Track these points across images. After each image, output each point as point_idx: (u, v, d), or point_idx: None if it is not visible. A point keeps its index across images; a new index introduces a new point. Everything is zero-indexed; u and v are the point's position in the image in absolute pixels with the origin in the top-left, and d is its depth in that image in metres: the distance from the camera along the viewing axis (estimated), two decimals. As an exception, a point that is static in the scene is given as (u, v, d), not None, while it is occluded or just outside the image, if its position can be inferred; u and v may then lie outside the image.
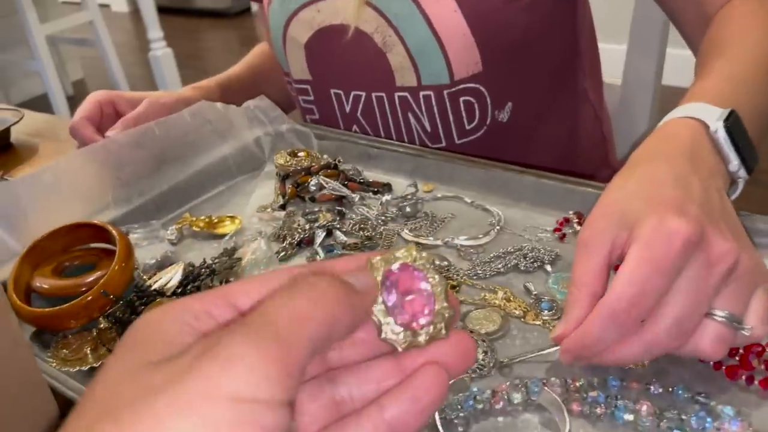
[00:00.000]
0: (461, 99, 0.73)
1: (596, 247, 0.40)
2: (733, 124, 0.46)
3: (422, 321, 0.24)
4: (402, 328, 0.24)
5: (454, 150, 0.72)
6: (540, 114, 0.77)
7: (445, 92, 0.73)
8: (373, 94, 0.76)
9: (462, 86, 0.72)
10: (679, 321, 0.37)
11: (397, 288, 0.24)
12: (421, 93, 0.74)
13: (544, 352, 0.45)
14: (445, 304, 0.25)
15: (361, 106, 0.78)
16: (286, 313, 0.20)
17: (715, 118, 0.46)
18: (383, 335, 0.24)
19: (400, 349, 0.24)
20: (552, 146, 0.79)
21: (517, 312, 0.51)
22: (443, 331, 0.25)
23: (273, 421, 0.18)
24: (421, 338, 0.24)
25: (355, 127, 0.80)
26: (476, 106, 0.73)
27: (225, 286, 0.23)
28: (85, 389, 0.45)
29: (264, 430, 0.18)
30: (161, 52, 3.28)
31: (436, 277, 0.25)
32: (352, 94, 0.78)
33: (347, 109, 0.79)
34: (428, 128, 0.75)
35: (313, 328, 0.20)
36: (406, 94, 0.74)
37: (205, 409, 0.17)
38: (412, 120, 0.76)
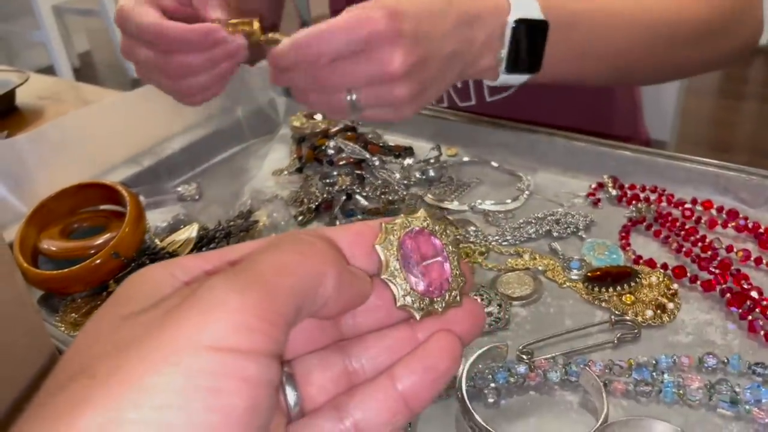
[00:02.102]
0: None
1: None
2: (531, 28, 0.50)
3: (439, 288, 0.24)
4: (419, 295, 0.23)
5: (479, 112, 0.69)
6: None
7: None
8: None
9: None
10: (334, 78, 0.46)
11: (414, 254, 0.24)
12: None
13: (572, 332, 0.43)
14: (459, 271, 0.24)
15: None
16: (271, 262, 0.19)
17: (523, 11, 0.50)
18: (399, 302, 0.23)
19: (417, 317, 0.23)
20: (582, 110, 0.75)
21: (541, 267, 0.48)
22: (458, 299, 0.24)
23: (256, 373, 0.17)
24: (438, 306, 0.23)
25: None
26: None
27: (226, 248, 0.22)
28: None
29: (246, 381, 0.17)
30: (168, 23, 3.23)
31: (450, 245, 0.24)
32: None
33: None
34: (459, 84, 0.71)
35: (297, 280, 0.19)
36: None
37: (183, 359, 0.16)
38: None
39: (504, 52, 0.51)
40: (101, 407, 0.16)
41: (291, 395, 0.22)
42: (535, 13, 0.51)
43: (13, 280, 0.38)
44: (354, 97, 0.47)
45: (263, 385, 0.17)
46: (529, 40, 0.51)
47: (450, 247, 0.24)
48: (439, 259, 0.24)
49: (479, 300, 0.44)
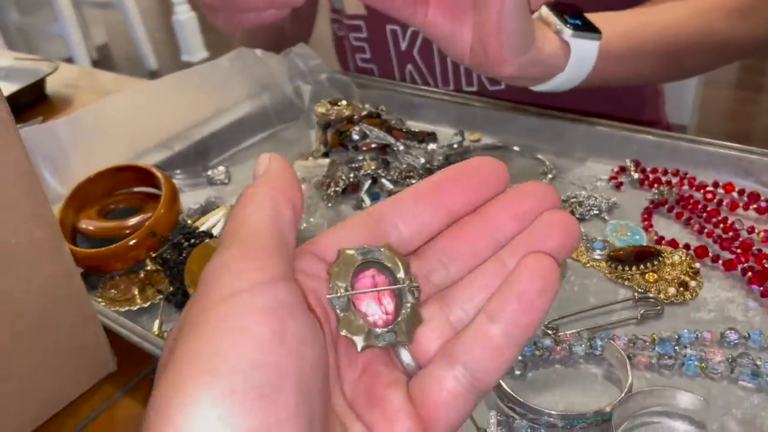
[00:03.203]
0: None
1: None
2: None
3: (381, 322, 0.22)
4: (362, 323, 0.22)
5: (503, 97, 0.70)
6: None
7: None
8: None
9: None
10: None
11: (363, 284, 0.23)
12: None
13: (597, 309, 0.44)
14: (410, 306, 0.23)
15: (418, 43, 0.74)
16: (226, 227, 0.22)
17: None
18: (342, 332, 0.22)
19: (358, 349, 0.22)
20: (607, 96, 0.76)
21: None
22: (403, 338, 0.22)
23: (267, 300, 0.19)
24: (380, 341, 0.22)
25: (409, 66, 0.77)
26: None
27: (309, 243, 0.23)
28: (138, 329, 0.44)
29: (261, 311, 0.19)
30: (185, 16, 3.25)
31: (403, 279, 0.23)
32: (410, 30, 0.74)
33: (403, 47, 0.76)
34: None
35: (244, 221, 0.21)
36: None
37: (214, 311, 0.19)
38: None
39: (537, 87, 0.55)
40: (169, 375, 0.18)
41: (405, 355, 0.22)
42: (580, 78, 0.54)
43: (62, 256, 0.40)
44: None
45: (279, 309, 0.19)
46: None
47: (404, 283, 0.23)
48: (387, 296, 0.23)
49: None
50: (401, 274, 0.23)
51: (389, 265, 0.23)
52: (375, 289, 0.23)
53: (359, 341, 0.22)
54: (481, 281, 0.23)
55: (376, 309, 0.23)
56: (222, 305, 0.19)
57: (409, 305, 0.23)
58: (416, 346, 0.23)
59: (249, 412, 0.17)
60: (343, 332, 0.22)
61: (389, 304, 0.23)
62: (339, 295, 0.22)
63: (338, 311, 0.22)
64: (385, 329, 0.22)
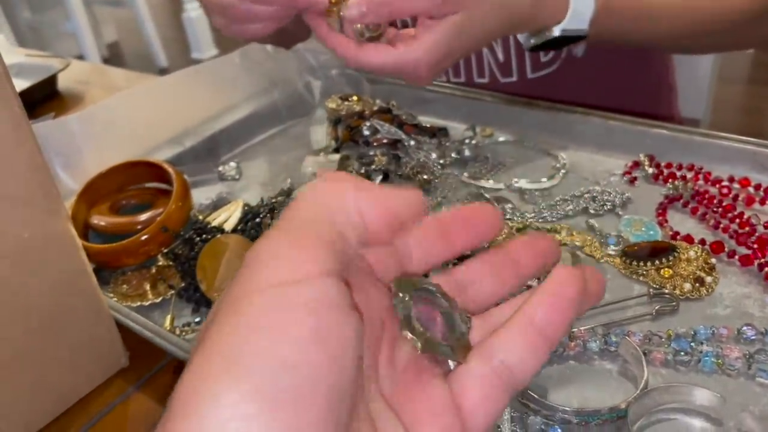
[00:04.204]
0: None
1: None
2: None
3: (440, 336, 0.23)
4: (423, 330, 0.23)
5: (516, 92, 0.69)
6: (613, 52, 0.73)
7: None
8: None
9: None
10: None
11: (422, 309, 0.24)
12: None
13: (609, 306, 0.44)
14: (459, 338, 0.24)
15: None
16: (288, 211, 0.21)
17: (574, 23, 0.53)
18: (404, 332, 0.22)
19: (419, 349, 0.22)
20: (620, 90, 0.75)
21: (578, 243, 0.49)
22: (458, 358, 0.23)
23: (311, 296, 0.18)
24: (438, 350, 0.23)
25: None
26: None
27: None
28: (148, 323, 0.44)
29: (303, 306, 0.18)
30: (195, 13, 3.26)
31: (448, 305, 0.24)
32: None
33: None
34: (501, 59, 0.72)
35: (313, 209, 0.21)
36: None
37: (252, 302, 0.18)
38: (485, 50, 0.72)
39: (533, 43, 0.56)
40: (200, 364, 0.17)
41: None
42: (582, 26, 0.54)
43: (74, 251, 0.40)
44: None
45: (322, 308, 0.18)
46: (560, 42, 0.55)
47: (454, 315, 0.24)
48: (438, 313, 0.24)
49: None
50: (448, 307, 0.24)
51: (439, 296, 0.24)
52: (439, 307, 0.23)
53: (420, 344, 0.22)
54: (515, 303, 0.24)
55: (433, 325, 0.23)
56: (262, 295, 0.18)
57: (460, 333, 0.24)
58: None
59: (275, 415, 0.16)
60: (406, 334, 0.22)
61: (443, 326, 0.23)
62: (403, 305, 0.22)
63: (400, 311, 0.22)
64: (444, 342, 0.23)
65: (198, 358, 0.17)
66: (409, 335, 0.22)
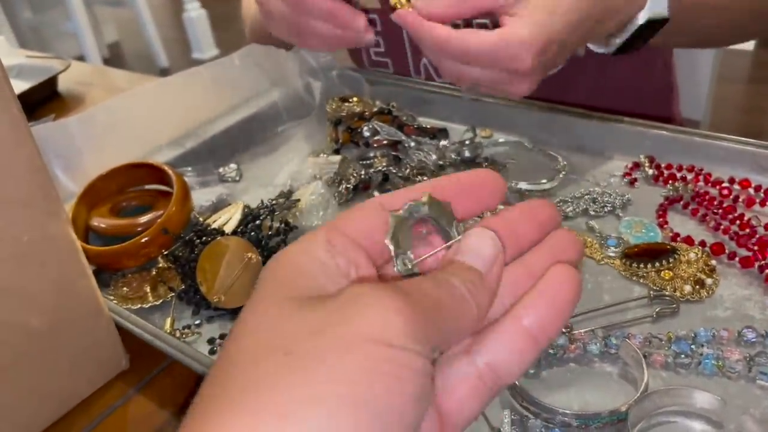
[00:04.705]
0: None
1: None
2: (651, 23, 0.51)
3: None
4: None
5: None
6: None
7: None
8: None
9: None
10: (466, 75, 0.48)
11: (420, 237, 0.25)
12: None
13: (611, 307, 0.44)
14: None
15: None
16: (431, 295, 0.21)
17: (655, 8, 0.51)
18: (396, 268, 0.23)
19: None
20: (621, 90, 0.75)
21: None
22: None
23: (422, 366, 0.19)
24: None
25: (424, 60, 0.76)
26: None
27: (331, 222, 0.24)
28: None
29: (416, 372, 0.19)
30: (196, 13, 3.26)
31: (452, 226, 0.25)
32: None
33: None
34: None
35: (445, 315, 0.21)
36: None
37: (362, 349, 0.18)
38: None
39: (620, 41, 0.53)
40: (300, 381, 0.18)
41: None
42: (663, 10, 0.52)
43: (74, 254, 0.40)
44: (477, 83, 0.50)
45: (427, 376, 0.19)
46: (645, 32, 0.52)
47: (453, 231, 0.25)
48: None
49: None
50: (448, 218, 0.24)
51: (435, 215, 0.24)
52: (432, 252, 0.24)
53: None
54: (509, 284, 0.24)
55: (436, 263, 0.24)
56: (377, 345, 0.18)
57: (456, 240, 0.24)
58: None
59: None
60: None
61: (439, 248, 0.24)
62: (408, 267, 0.23)
63: (403, 274, 0.23)
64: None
65: (304, 376, 0.18)
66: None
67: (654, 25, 0.52)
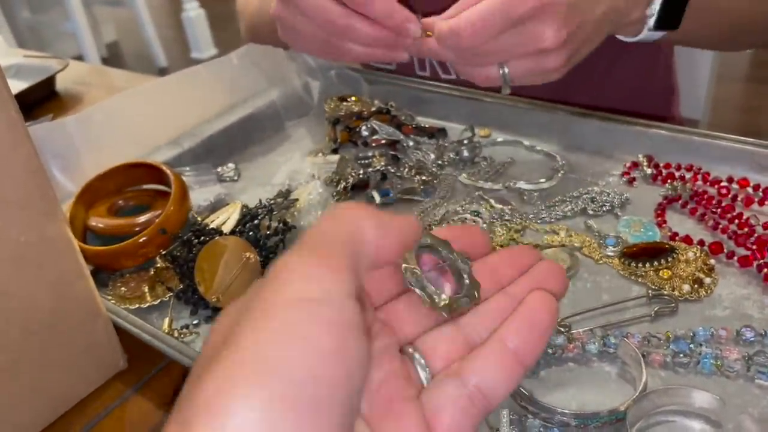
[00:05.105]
0: None
1: None
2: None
3: (452, 291, 0.26)
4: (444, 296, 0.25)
5: (514, 91, 0.69)
6: (616, 51, 0.72)
7: None
8: None
9: None
10: (486, 54, 0.48)
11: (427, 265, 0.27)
12: None
13: (608, 307, 0.43)
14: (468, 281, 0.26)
15: None
16: (314, 232, 0.22)
17: None
18: (425, 305, 0.25)
19: (447, 315, 0.25)
20: (622, 91, 0.75)
21: (577, 244, 0.49)
22: (476, 299, 0.26)
23: (335, 315, 0.19)
24: (461, 305, 0.25)
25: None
26: None
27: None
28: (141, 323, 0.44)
29: (328, 324, 0.19)
30: (194, 13, 3.26)
31: (454, 257, 0.27)
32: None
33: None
34: None
35: (338, 234, 0.22)
36: None
37: (270, 316, 0.19)
38: None
39: (656, 7, 0.51)
40: (220, 368, 0.18)
41: (422, 372, 0.24)
42: None
43: (71, 254, 0.40)
44: (506, 70, 0.49)
45: (345, 326, 0.19)
46: (668, 19, 0.52)
47: (453, 256, 0.27)
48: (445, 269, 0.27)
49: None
50: (446, 251, 0.26)
51: (438, 246, 0.26)
52: (439, 265, 0.26)
53: (445, 312, 0.25)
54: (494, 310, 0.26)
55: (443, 281, 0.26)
56: (289, 308, 0.19)
57: (466, 274, 0.26)
58: (432, 354, 0.25)
59: (295, 423, 0.17)
60: (429, 306, 0.25)
61: (451, 278, 0.26)
62: (416, 277, 0.25)
63: (418, 291, 0.25)
64: (459, 296, 0.25)
65: (225, 360, 0.18)
66: (435, 309, 0.25)
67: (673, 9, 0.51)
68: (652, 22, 0.52)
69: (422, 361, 0.24)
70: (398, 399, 0.22)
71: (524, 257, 0.28)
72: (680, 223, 0.51)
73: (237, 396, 0.17)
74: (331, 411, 0.18)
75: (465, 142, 0.64)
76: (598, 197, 0.54)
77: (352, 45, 0.52)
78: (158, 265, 0.51)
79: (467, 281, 0.26)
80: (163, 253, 0.51)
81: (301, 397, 0.17)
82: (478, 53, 0.48)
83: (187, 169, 0.63)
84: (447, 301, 0.25)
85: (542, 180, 0.58)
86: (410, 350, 0.24)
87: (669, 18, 0.52)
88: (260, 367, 0.18)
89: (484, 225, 0.53)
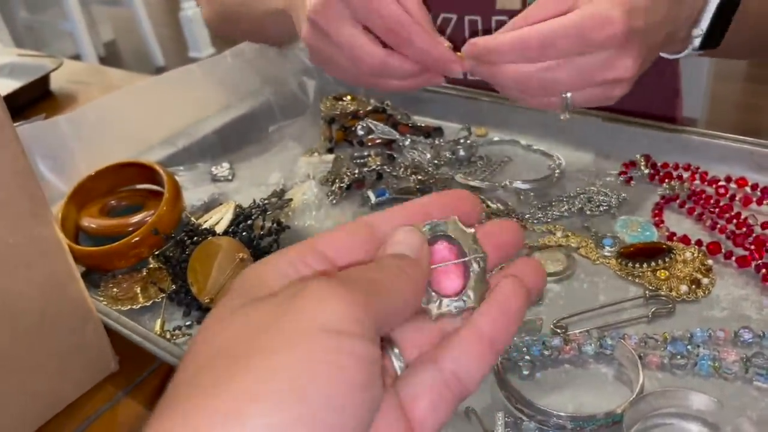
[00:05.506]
0: None
1: (557, 1, 0.43)
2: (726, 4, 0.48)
3: (452, 292, 0.25)
4: (434, 296, 0.25)
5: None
6: None
7: None
8: (466, 18, 0.69)
9: None
10: (555, 82, 0.44)
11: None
12: None
13: (605, 308, 0.43)
14: (475, 280, 0.25)
15: (449, 31, 0.71)
16: (369, 277, 0.22)
17: None
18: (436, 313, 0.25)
19: (432, 318, 0.25)
20: (628, 95, 0.74)
21: (574, 244, 0.49)
22: (472, 304, 0.25)
23: (366, 351, 0.19)
24: (452, 308, 0.25)
25: None
26: None
27: (312, 238, 0.25)
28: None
29: (360, 358, 0.19)
30: (192, 12, 3.25)
31: (472, 247, 0.26)
32: (441, 16, 0.71)
33: None
34: None
35: (386, 294, 0.22)
36: (505, 18, 0.67)
37: (304, 341, 0.19)
38: None
39: (703, 28, 0.49)
40: (241, 380, 0.18)
41: (396, 362, 0.24)
42: None
43: (61, 255, 0.39)
44: (569, 96, 0.45)
45: (373, 362, 0.20)
46: (721, 17, 0.49)
47: (472, 248, 0.26)
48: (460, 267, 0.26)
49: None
50: (469, 244, 0.25)
51: (456, 236, 0.25)
52: (442, 263, 0.25)
53: (434, 309, 0.25)
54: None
55: (445, 280, 0.25)
56: (323, 337, 0.19)
57: (475, 273, 0.25)
58: (406, 345, 0.25)
59: None
60: (428, 310, 0.24)
61: (457, 274, 0.25)
62: None
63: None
64: (455, 298, 0.25)
65: (254, 370, 0.18)
66: (423, 305, 0.25)
67: (728, 8, 0.48)
68: (698, 42, 0.50)
69: (396, 352, 0.24)
70: None
71: (504, 234, 0.27)
72: (678, 223, 0.51)
73: (257, 415, 0.17)
74: None
75: (461, 141, 0.64)
76: (595, 197, 0.54)
77: (388, 80, 0.50)
78: (151, 265, 0.51)
79: (472, 283, 0.25)
80: (156, 253, 0.51)
81: (325, 423, 0.18)
82: (542, 78, 0.44)
83: (181, 168, 0.62)
84: (439, 313, 0.25)
85: (539, 179, 0.57)
86: (385, 342, 0.25)
87: (713, 36, 0.50)
88: (291, 386, 0.18)
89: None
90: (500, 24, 0.65)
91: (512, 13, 0.64)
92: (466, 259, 0.25)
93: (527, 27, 0.43)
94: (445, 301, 0.25)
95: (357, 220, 0.26)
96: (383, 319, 0.21)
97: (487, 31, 0.66)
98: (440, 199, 0.27)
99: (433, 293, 0.25)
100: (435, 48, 0.47)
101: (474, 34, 0.68)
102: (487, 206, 0.55)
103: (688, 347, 0.39)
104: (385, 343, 0.24)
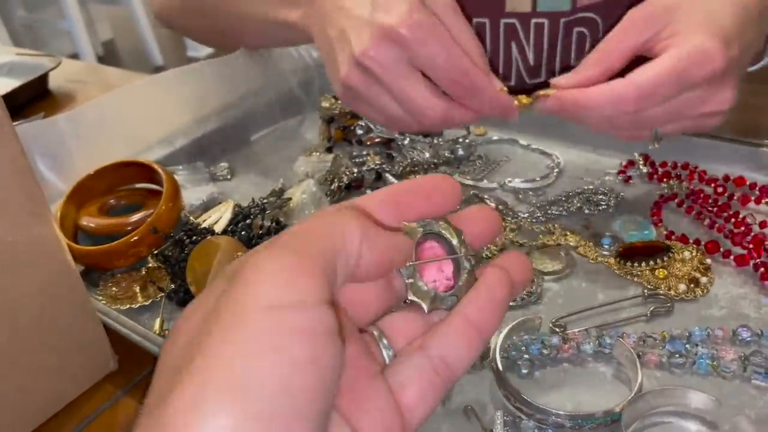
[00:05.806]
0: (575, 30, 0.65)
1: (639, 29, 0.41)
2: None
3: (443, 288, 0.26)
4: (428, 288, 0.25)
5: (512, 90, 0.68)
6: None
7: (562, 21, 0.62)
8: (475, 20, 0.69)
9: (581, 15, 0.62)
10: (651, 122, 0.42)
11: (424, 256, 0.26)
12: (533, 21, 0.63)
13: (604, 306, 0.43)
14: (465, 277, 0.26)
15: None
16: (296, 232, 0.21)
17: None
18: (410, 297, 0.25)
19: (426, 312, 0.25)
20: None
21: (572, 243, 0.49)
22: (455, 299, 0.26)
23: (308, 323, 0.19)
24: (444, 303, 0.25)
25: None
26: (588, 38, 0.65)
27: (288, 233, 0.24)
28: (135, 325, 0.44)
29: (301, 333, 0.18)
30: (190, 11, 3.25)
31: (461, 247, 0.26)
32: None
33: None
34: (531, 61, 0.67)
35: (321, 239, 0.21)
36: (514, 21, 0.66)
37: (241, 327, 0.18)
38: (515, 51, 0.67)
39: None
40: (183, 391, 0.17)
41: (385, 352, 0.24)
42: None
43: (60, 254, 0.39)
44: (660, 130, 0.44)
45: (318, 334, 0.19)
46: None
47: (462, 246, 0.26)
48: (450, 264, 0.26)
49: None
50: (456, 243, 0.26)
51: (446, 235, 0.26)
52: (436, 259, 0.26)
53: (426, 304, 0.25)
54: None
55: (438, 276, 0.26)
56: (260, 316, 0.18)
57: (466, 271, 0.26)
58: (394, 334, 0.25)
59: None
60: (412, 297, 0.25)
61: (449, 271, 0.26)
62: (407, 265, 0.25)
63: (405, 279, 0.25)
64: (447, 293, 0.25)
65: (194, 374, 0.18)
66: (416, 299, 0.25)
67: None
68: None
69: (385, 341, 0.25)
70: (363, 378, 0.23)
71: (483, 220, 0.28)
72: (676, 222, 0.51)
73: (207, 415, 0.17)
74: (306, 421, 0.18)
75: (460, 140, 0.64)
76: (593, 196, 0.54)
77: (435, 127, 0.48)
78: (150, 264, 0.51)
79: (461, 282, 0.26)
80: (155, 252, 0.51)
81: (275, 411, 0.17)
82: (638, 120, 0.42)
83: (180, 167, 0.62)
84: (434, 297, 0.25)
85: (538, 179, 0.57)
86: (373, 331, 0.25)
87: None
88: (231, 383, 0.17)
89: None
90: (509, 27, 0.66)
91: (522, 16, 0.64)
92: (458, 256, 0.26)
93: (621, 81, 0.40)
94: (439, 296, 0.25)
95: (338, 205, 0.25)
96: (324, 258, 0.20)
97: (495, 36, 0.67)
98: (416, 185, 0.26)
99: (427, 287, 0.25)
100: (498, 100, 0.45)
101: (481, 36, 0.67)
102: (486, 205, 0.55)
103: (687, 346, 0.39)
104: (375, 332, 0.25)
